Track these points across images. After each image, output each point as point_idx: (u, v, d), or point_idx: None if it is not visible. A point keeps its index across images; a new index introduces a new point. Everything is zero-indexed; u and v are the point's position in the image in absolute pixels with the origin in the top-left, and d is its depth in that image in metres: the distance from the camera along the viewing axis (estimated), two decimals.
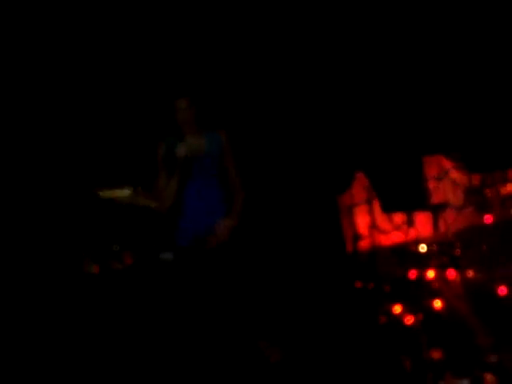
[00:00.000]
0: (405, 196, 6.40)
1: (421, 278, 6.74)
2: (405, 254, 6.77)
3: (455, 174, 6.56)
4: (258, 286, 5.84)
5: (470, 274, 6.73)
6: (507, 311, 6.45)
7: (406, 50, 5.84)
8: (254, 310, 5.46)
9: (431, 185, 6.59)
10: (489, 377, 5.97)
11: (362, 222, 6.77)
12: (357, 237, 6.80)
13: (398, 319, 6.63)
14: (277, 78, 6.15)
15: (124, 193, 4.52)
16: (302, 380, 5.47)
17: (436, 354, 6.41)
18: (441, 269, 6.74)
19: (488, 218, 6.57)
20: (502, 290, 6.52)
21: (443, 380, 6.07)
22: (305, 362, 5.63)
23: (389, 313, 6.66)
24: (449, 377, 6.08)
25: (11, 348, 4.81)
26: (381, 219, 6.79)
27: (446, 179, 6.58)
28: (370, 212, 6.78)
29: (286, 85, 6.10)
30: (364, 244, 6.81)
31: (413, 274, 6.77)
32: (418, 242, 6.75)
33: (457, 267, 6.74)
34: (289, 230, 6.41)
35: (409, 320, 6.66)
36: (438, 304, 6.67)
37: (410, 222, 6.79)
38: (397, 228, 6.81)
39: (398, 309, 6.68)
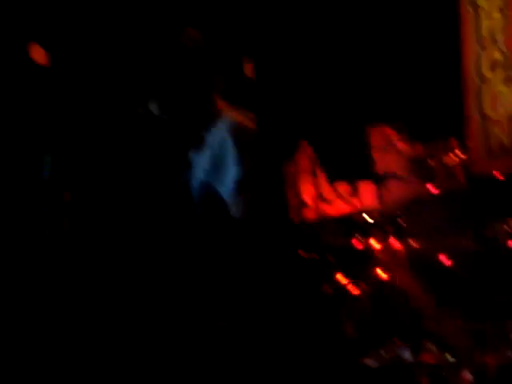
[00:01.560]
0: (349, 165, 6.41)
1: (365, 248, 6.77)
2: (350, 223, 6.79)
3: (399, 144, 6.57)
4: (201, 256, 5.83)
5: (414, 243, 6.77)
6: (449, 281, 6.51)
7: (348, 21, 5.83)
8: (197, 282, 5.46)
9: (375, 155, 6.60)
10: (429, 344, 6.04)
11: (306, 191, 6.76)
12: (302, 206, 6.80)
13: (342, 288, 6.67)
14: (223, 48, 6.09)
15: None
16: (246, 346, 5.48)
17: (379, 322, 6.46)
18: (385, 239, 6.78)
19: (432, 188, 6.60)
20: (445, 260, 6.58)
21: (385, 347, 6.12)
22: (250, 330, 5.64)
23: (333, 282, 6.70)
24: (391, 344, 6.13)
25: None
26: (325, 189, 6.79)
27: (390, 149, 6.60)
28: (315, 182, 6.77)
29: (231, 54, 6.05)
30: (309, 213, 6.81)
31: (357, 243, 6.80)
32: (362, 212, 6.77)
33: (401, 237, 6.78)
34: (233, 199, 6.37)
35: (353, 289, 6.70)
36: (381, 273, 6.71)
37: (355, 192, 6.80)
38: (341, 198, 6.82)
39: (342, 278, 6.71)
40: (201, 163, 5.69)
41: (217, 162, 5.74)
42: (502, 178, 6.52)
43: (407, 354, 6.05)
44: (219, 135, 5.75)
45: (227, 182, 5.76)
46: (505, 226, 6.54)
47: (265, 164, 6.35)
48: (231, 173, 5.74)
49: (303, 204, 6.77)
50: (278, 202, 6.51)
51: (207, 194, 5.92)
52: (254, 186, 6.24)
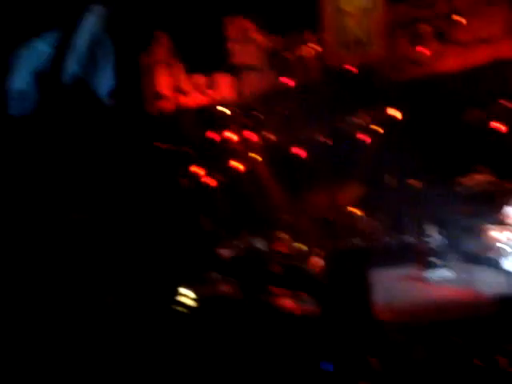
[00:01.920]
0: (206, 57, 6.33)
1: (223, 141, 6.81)
2: (207, 115, 6.79)
3: (255, 36, 6.54)
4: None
5: (271, 136, 6.86)
6: (303, 174, 6.67)
7: None
8: None
9: (232, 46, 6.55)
10: (281, 234, 6.23)
11: (163, 82, 6.66)
12: (158, 97, 6.70)
13: (198, 180, 6.73)
14: None
15: None
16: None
17: (233, 213, 6.60)
18: (243, 131, 6.83)
19: (287, 80, 6.65)
20: (299, 151, 6.73)
21: (239, 237, 6.27)
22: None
23: (191, 174, 6.73)
24: (244, 235, 6.29)
25: None
26: (183, 80, 6.72)
27: (247, 41, 6.55)
28: (172, 73, 6.67)
29: None
30: (166, 105, 6.73)
31: (215, 136, 6.82)
32: (220, 104, 6.77)
33: (257, 129, 6.85)
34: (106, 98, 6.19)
35: (209, 181, 6.77)
36: (238, 165, 6.80)
37: (212, 84, 6.77)
38: (199, 89, 6.77)
39: (199, 170, 6.75)
40: (74, 57, 5.47)
41: (93, 57, 5.53)
42: (355, 70, 6.64)
43: (261, 244, 6.23)
44: (91, 28, 5.52)
45: (103, 83, 5.58)
46: (356, 118, 6.73)
47: (124, 55, 6.19)
48: (108, 75, 5.56)
49: (160, 96, 6.68)
50: (134, 93, 6.40)
51: (79, 88, 5.76)
52: (126, 87, 6.08)
